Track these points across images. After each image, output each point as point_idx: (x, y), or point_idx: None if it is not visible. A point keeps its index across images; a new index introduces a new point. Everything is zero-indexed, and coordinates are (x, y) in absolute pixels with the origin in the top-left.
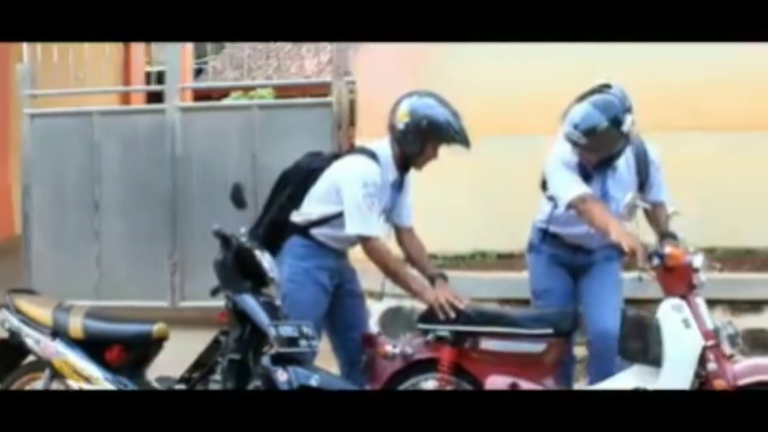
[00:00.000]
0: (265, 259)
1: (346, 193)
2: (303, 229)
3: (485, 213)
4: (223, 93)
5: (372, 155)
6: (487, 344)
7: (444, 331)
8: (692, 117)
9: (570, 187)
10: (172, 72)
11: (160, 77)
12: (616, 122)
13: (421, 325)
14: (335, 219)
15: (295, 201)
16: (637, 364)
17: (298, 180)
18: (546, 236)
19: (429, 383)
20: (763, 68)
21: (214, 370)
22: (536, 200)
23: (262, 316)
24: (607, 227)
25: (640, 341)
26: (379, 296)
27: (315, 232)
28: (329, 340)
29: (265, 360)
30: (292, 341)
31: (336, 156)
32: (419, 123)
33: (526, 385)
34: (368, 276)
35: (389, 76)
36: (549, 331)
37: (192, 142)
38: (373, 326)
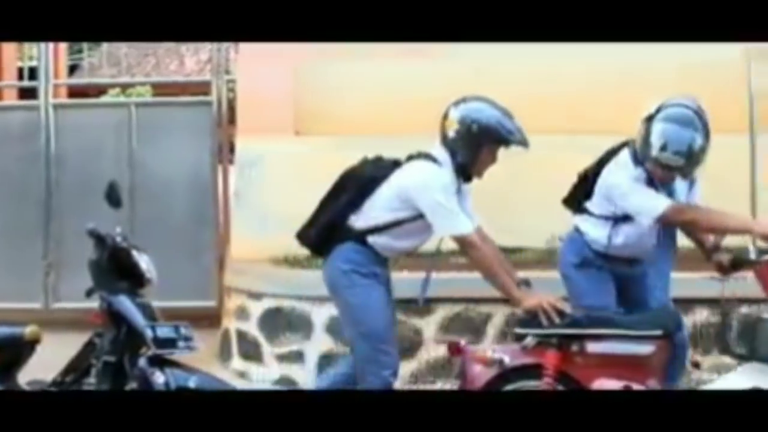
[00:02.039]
0: (142, 259)
1: (425, 198)
2: (360, 235)
3: None
4: (101, 90)
5: (434, 160)
6: (593, 347)
7: (549, 335)
8: (573, 121)
9: (655, 202)
10: (44, 68)
11: (32, 73)
12: (707, 134)
13: (523, 330)
14: (395, 227)
15: (354, 207)
16: (748, 363)
17: (359, 186)
18: (598, 255)
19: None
20: (641, 73)
21: (89, 372)
22: None
23: (138, 318)
24: (727, 222)
25: (752, 340)
26: (419, 302)
27: (372, 239)
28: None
29: (142, 362)
30: (169, 342)
31: (396, 163)
32: (469, 128)
33: (637, 387)
34: (248, 275)
35: (269, 74)
36: (658, 332)
37: (66, 140)
38: (254, 328)
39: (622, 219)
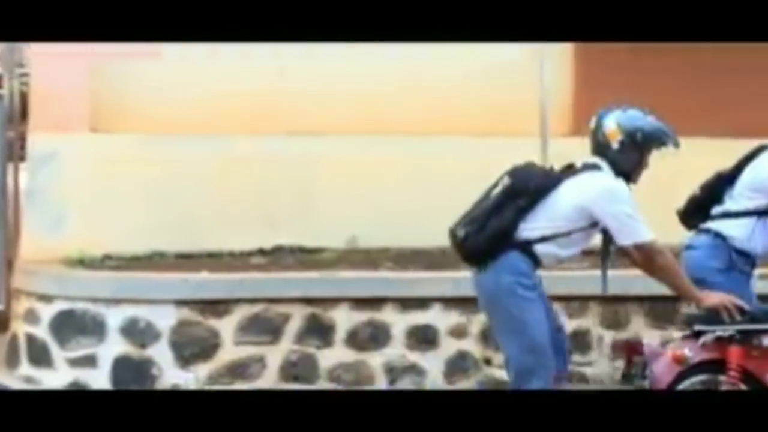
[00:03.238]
0: None
1: (613, 209)
2: (527, 245)
3: (164, 212)
4: None
5: (604, 170)
6: None
7: (730, 331)
8: (375, 121)
9: None
10: None
11: None
12: None
13: (703, 327)
14: (564, 236)
15: (525, 215)
16: None
17: (532, 195)
18: (744, 255)
19: (714, 385)
20: (442, 74)
21: None
22: (223, 200)
23: None
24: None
25: None
26: None
27: (539, 248)
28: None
29: None
30: None
31: (563, 174)
32: (634, 137)
33: None
34: (39, 277)
35: (64, 69)
36: None
37: None
38: (44, 331)
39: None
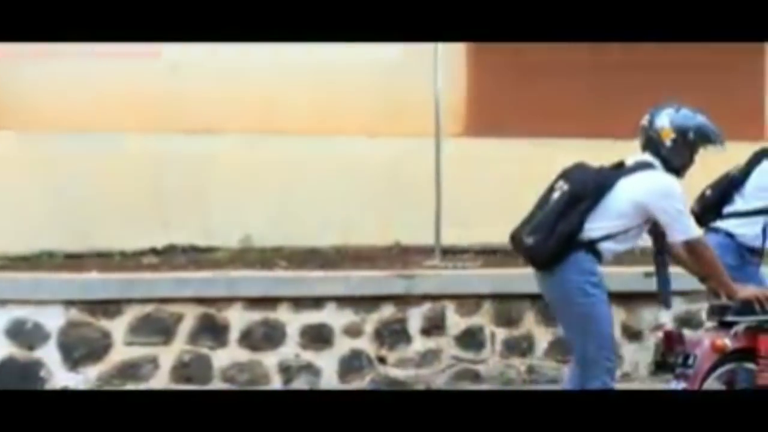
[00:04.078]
0: None
1: (667, 207)
2: (591, 243)
3: (53, 211)
4: None
5: (656, 167)
6: None
7: (762, 321)
8: (267, 120)
9: None
10: None
11: None
12: None
13: (735, 318)
14: (622, 234)
15: (589, 215)
16: None
17: (592, 197)
18: (753, 253)
19: (744, 372)
20: (336, 73)
21: None
22: (113, 199)
23: None
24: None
25: None
26: None
27: (602, 246)
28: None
29: None
30: None
31: (617, 173)
32: (686, 135)
33: None
34: None
35: None
36: None
37: None
38: None
39: None
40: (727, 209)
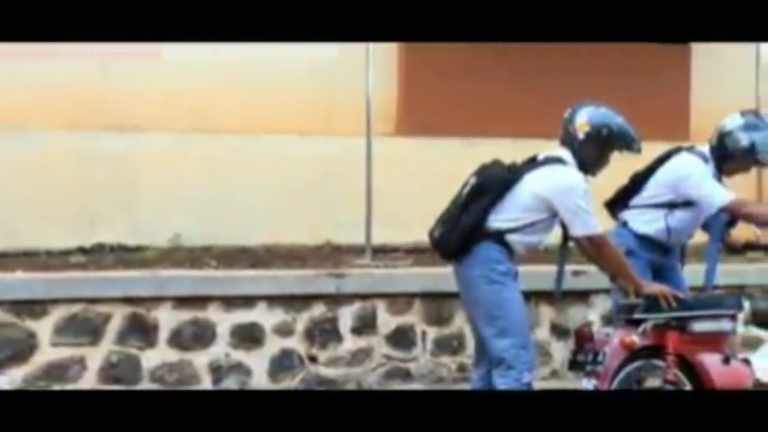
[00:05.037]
0: None
1: (568, 202)
2: (499, 235)
3: None
4: None
5: (566, 162)
6: (699, 327)
7: (668, 318)
8: (198, 118)
9: (724, 192)
10: None
11: None
12: None
13: (643, 315)
14: (530, 227)
15: (494, 208)
16: None
17: (498, 189)
18: (644, 241)
19: (653, 369)
20: (264, 73)
21: None
22: (40, 197)
23: None
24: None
25: None
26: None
27: (510, 237)
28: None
29: None
30: None
31: (526, 167)
32: (600, 132)
33: (734, 360)
34: None
35: None
36: (736, 311)
37: None
38: None
39: (679, 205)
40: (633, 201)
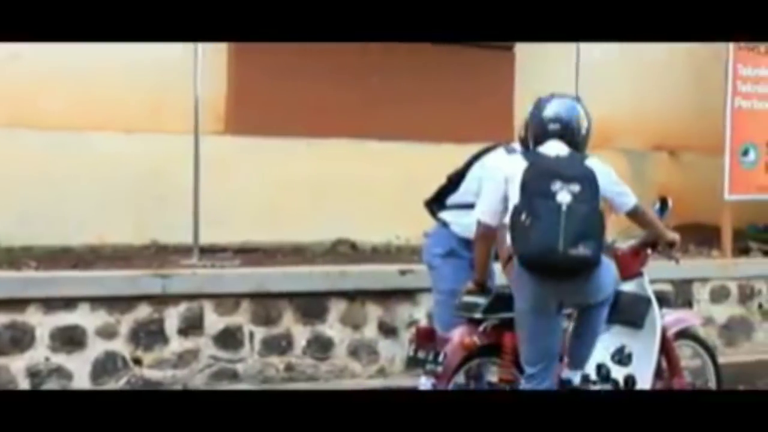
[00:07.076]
0: None
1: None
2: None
3: None
4: None
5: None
6: None
7: (507, 319)
8: (17, 114)
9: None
10: None
11: None
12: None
13: (483, 315)
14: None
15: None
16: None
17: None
18: (463, 243)
19: (489, 368)
20: (91, 70)
21: None
22: None
23: None
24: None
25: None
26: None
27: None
28: None
29: None
30: None
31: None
32: (590, 124)
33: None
34: None
35: None
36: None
37: None
38: None
39: None
40: (450, 200)
